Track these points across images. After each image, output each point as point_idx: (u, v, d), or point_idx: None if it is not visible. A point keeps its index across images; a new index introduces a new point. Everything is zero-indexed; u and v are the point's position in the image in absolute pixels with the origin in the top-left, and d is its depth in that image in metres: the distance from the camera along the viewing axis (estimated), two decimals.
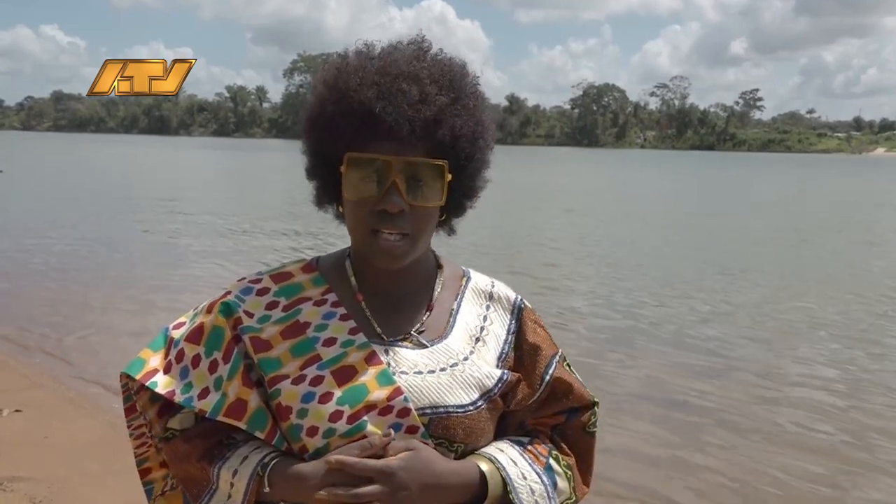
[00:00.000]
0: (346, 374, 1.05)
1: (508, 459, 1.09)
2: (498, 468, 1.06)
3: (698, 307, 8.45)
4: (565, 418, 1.19)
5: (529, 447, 1.14)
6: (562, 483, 1.13)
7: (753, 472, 4.29)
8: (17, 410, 4.59)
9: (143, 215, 15.69)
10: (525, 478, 1.08)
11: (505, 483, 1.06)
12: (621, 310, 8.20)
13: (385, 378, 1.05)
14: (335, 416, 1.02)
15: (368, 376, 1.05)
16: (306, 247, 11.93)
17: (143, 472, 1.24)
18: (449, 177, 1.06)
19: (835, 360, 6.48)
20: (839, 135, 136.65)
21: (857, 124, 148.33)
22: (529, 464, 1.10)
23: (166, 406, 1.14)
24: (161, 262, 10.54)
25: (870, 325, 7.78)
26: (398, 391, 1.04)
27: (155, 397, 1.13)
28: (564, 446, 1.18)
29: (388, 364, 1.07)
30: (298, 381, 1.05)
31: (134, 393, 1.17)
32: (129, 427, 1.21)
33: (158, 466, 1.24)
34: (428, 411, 1.05)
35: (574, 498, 1.15)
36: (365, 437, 1.02)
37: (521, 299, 1.22)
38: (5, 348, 6.09)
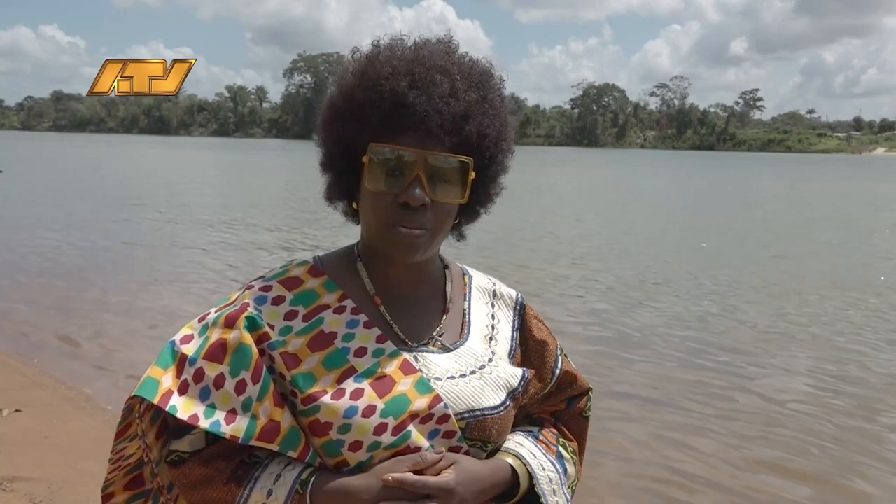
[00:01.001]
0: (385, 386, 1.03)
1: (529, 453, 1.14)
2: (524, 463, 1.12)
3: (692, 308, 8.45)
4: (566, 405, 1.27)
5: (540, 437, 1.20)
6: (570, 468, 1.20)
7: (748, 474, 4.29)
8: (17, 410, 4.59)
9: (141, 216, 15.67)
10: (544, 468, 1.14)
11: (530, 475, 1.12)
12: (612, 312, 8.19)
13: (424, 386, 1.05)
14: (380, 429, 1.01)
15: (407, 386, 1.04)
16: (302, 249, 11.92)
17: (106, 498, 1.15)
18: (472, 174, 1.06)
19: (832, 360, 6.46)
20: (839, 135, 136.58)
21: (857, 124, 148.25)
22: (544, 454, 1.16)
23: (163, 427, 1.09)
24: (159, 261, 10.52)
25: (867, 326, 7.76)
26: (438, 399, 1.04)
27: (154, 418, 1.07)
28: (566, 431, 1.26)
29: (422, 371, 1.07)
30: (338, 395, 1.02)
31: (139, 415, 1.06)
32: (112, 451, 1.11)
33: (122, 490, 1.16)
34: (466, 416, 1.06)
35: (577, 480, 1.23)
36: (409, 447, 1.02)
37: (522, 296, 1.26)
38: (5, 348, 6.08)
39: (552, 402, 1.24)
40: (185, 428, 1.04)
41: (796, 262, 11.99)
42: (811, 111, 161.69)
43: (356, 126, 1.04)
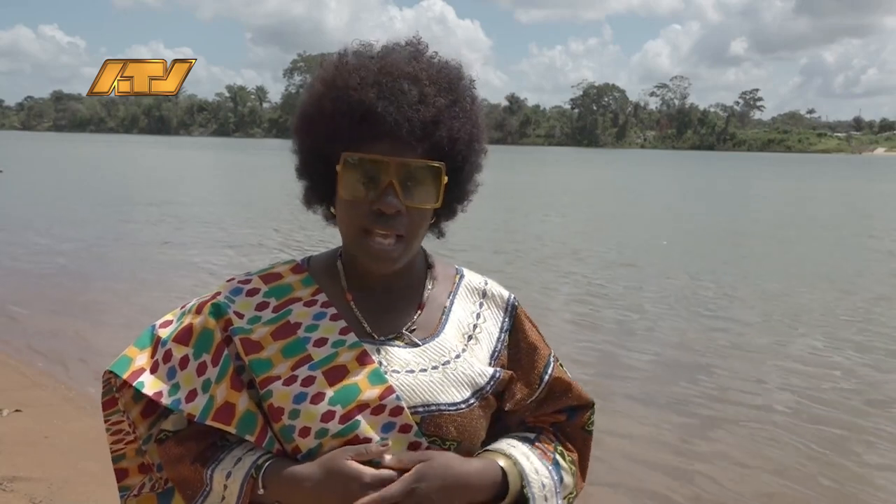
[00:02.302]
0: (337, 374, 1.04)
1: (522, 454, 1.11)
2: (514, 463, 1.09)
3: (690, 307, 8.45)
4: (566, 417, 1.21)
5: (537, 443, 1.15)
6: (567, 478, 1.15)
7: (749, 473, 4.29)
8: (17, 410, 4.59)
9: (140, 216, 15.69)
10: (538, 472, 1.10)
11: (521, 477, 1.08)
12: (608, 312, 8.19)
13: (377, 377, 1.05)
14: (327, 417, 1.02)
15: (360, 376, 1.04)
16: (300, 249, 11.92)
17: (120, 474, 1.21)
18: (445, 179, 1.06)
19: (832, 359, 6.48)
20: (839, 135, 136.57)
21: (857, 124, 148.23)
22: (539, 459, 1.12)
23: (151, 406, 1.14)
24: (158, 261, 10.53)
25: (866, 325, 7.77)
26: (390, 390, 1.04)
27: (138, 396, 1.13)
28: (566, 442, 1.20)
29: (380, 363, 1.06)
30: (290, 381, 1.04)
31: (116, 390, 1.15)
32: (106, 422, 1.18)
33: (137, 470, 1.21)
34: (420, 410, 1.04)
35: (575, 493, 1.18)
36: (357, 436, 1.02)
37: (515, 298, 1.22)
38: (5, 348, 6.08)
39: (547, 410, 1.19)
40: (168, 408, 1.09)
41: (788, 265, 11.98)
42: (811, 111, 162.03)
43: (328, 135, 1.05)
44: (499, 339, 1.17)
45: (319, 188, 1.12)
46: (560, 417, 1.20)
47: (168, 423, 1.13)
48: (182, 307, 1.18)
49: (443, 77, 1.06)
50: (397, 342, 1.10)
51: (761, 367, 6.26)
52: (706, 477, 4.21)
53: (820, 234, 15.71)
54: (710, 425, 4.95)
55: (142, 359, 1.12)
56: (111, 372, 1.12)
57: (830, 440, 4.75)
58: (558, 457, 1.15)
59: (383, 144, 1.02)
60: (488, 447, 1.12)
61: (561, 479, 1.13)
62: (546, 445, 1.16)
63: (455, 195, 1.13)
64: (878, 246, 13.94)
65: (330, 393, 1.03)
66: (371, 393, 1.03)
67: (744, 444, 4.67)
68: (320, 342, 1.07)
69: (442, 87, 1.05)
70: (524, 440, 1.15)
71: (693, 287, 9.56)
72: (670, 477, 4.21)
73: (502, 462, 1.08)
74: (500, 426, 1.17)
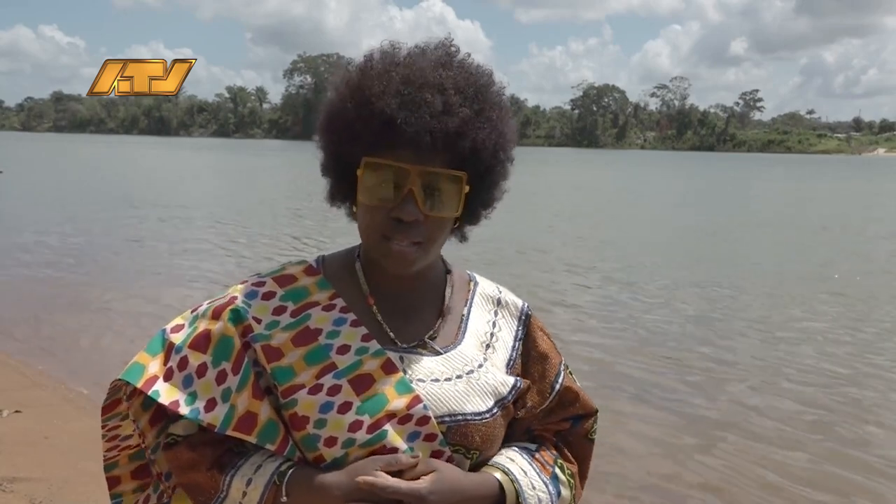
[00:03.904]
0: (363, 383, 1.04)
1: (520, 470, 1.11)
2: (511, 479, 1.08)
3: (688, 309, 8.45)
4: (570, 425, 1.21)
5: (537, 455, 1.15)
6: (565, 492, 1.15)
7: (751, 472, 4.30)
8: (17, 410, 4.59)
9: (141, 217, 15.69)
10: (534, 487, 1.10)
11: (517, 493, 1.08)
12: (607, 314, 8.18)
13: (403, 386, 1.04)
14: (355, 426, 1.01)
15: (387, 385, 1.04)
16: (305, 251, 11.91)
17: (112, 481, 1.18)
18: (466, 188, 1.05)
19: (833, 359, 6.47)
20: (839, 135, 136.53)
21: (857, 125, 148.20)
22: (538, 473, 1.12)
23: (158, 413, 1.12)
24: (158, 262, 10.54)
25: (868, 330, 7.78)
26: (417, 399, 1.03)
27: (147, 404, 1.10)
28: (568, 453, 1.20)
29: (405, 372, 1.06)
30: (315, 390, 1.03)
31: (126, 398, 1.11)
32: (102, 427, 1.15)
33: (129, 477, 1.19)
34: (446, 419, 1.05)
35: None
36: (385, 446, 1.01)
37: (528, 306, 1.22)
38: (5, 348, 6.08)
39: (554, 419, 1.19)
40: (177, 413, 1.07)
41: (787, 265, 11.96)
42: (811, 112, 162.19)
43: (350, 139, 1.04)
44: (513, 347, 1.17)
45: (343, 188, 1.10)
46: (564, 425, 1.21)
47: (178, 427, 1.09)
48: (193, 311, 1.13)
49: (470, 85, 1.04)
50: (420, 350, 1.10)
51: (760, 367, 6.26)
52: (706, 480, 4.21)
53: (819, 236, 15.69)
54: (709, 427, 4.95)
55: (154, 366, 1.07)
56: (122, 381, 1.07)
57: (831, 441, 4.76)
58: (557, 470, 1.15)
59: (405, 152, 1.00)
60: (489, 461, 1.11)
61: (559, 493, 1.13)
62: (546, 458, 1.16)
63: (479, 201, 1.11)
64: (873, 247, 13.95)
65: (357, 402, 1.02)
66: (398, 402, 1.03)
67: (744, 444, 4.67)
68: (343, 349, 1.06)
69: (468, 95, 1.03)
70: (525, 451, 1.15)
71: (691, 287, 9.56)
72: (668, 480, 4.21)
73: (499, 476, 1.08)
74: (506, 434, 1.16)
